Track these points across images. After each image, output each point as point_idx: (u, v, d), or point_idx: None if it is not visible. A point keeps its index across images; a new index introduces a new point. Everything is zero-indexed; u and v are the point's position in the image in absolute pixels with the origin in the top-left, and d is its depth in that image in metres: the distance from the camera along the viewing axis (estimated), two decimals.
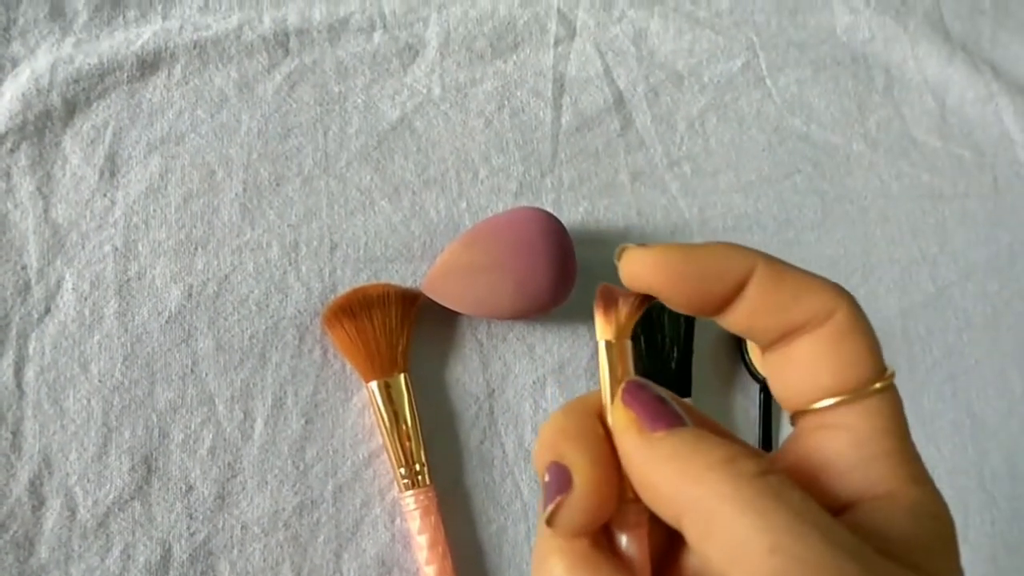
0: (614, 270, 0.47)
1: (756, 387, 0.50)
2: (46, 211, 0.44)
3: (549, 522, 0.19)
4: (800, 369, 0.20)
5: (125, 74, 0.48)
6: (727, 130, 0.56)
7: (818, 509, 0.17)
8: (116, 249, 0.45)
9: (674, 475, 0.18)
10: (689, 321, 0.48)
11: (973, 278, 0.56)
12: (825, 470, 0.19)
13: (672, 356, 0.47)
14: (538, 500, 0.22)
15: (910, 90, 0.60)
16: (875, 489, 0.19)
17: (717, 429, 0.22)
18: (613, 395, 0.21)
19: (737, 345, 0.50)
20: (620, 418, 0.20)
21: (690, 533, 0.17)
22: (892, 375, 0.20)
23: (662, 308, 0.47)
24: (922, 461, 0.20)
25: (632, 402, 0.20)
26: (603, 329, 0.23)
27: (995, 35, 0.63)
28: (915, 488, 0.19)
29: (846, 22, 0.60)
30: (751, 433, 0.50)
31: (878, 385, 0.19)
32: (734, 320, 0.21)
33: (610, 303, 0.23)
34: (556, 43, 0.55)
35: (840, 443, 0.19)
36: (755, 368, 0.48)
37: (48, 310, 0.43)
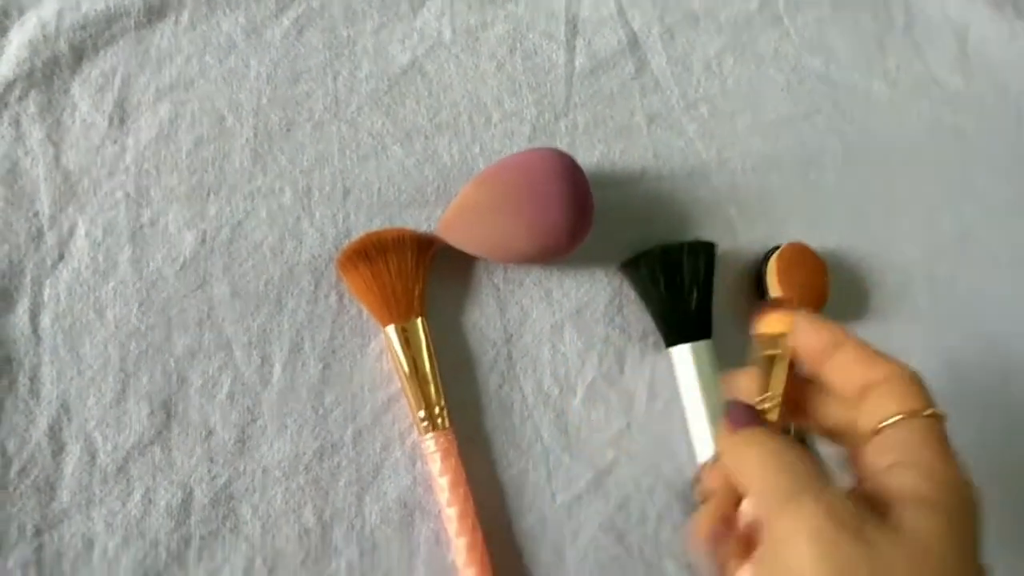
0: (630, 213, 0.46)
1: None
2: (57, 158, 0.44)
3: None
4: (874, 403, 0.30)
5: (132, 20, 0.47)
6: (744, 71, 0.54)
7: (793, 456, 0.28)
8: (128, 195, 0.44)
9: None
10: (709, 264, 0.47)
11: (997, 217, 0.55)
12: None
13: (692, 298, 0.47)
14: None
15: (931, 28, 0.59)
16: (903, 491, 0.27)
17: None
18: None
19: (758, 290, 0.49)
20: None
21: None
22: (936, 413, 0.29)
23: (682, 249, 0.46)
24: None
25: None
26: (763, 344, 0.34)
27: None
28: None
29: None
30: None
31: (926, 413, 0.29)
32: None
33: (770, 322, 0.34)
34: None
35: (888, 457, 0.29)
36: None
37: (62, 256, 0.43)
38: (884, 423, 0.29)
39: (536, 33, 0.52)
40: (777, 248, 0.49)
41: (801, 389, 0.33)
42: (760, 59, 0.55)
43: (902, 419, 0.29)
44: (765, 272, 0.49)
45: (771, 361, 0.33)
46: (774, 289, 0.47)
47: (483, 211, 0.44)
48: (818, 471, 0.28)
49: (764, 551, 0.28)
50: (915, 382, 0.30)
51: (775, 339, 0.33)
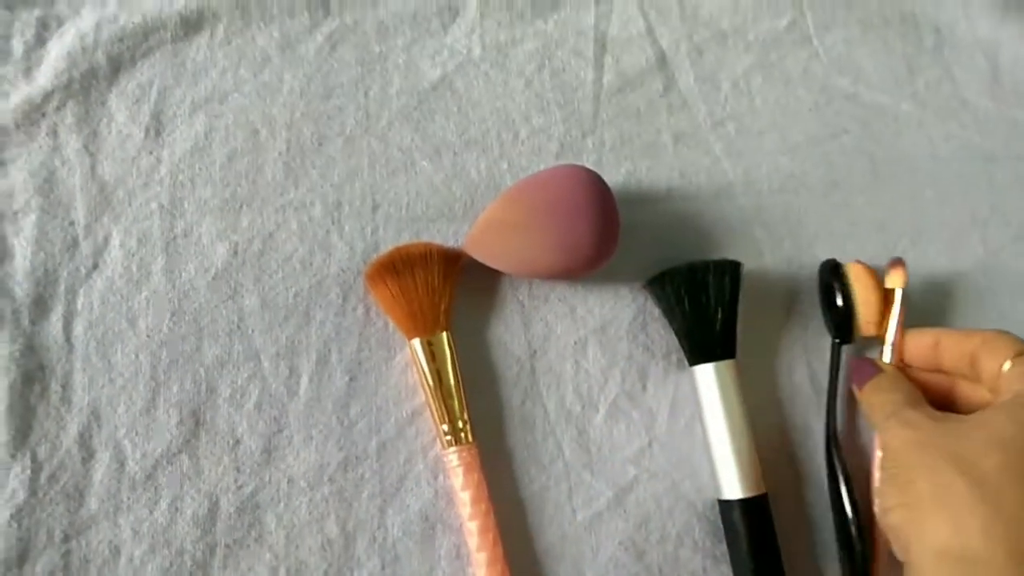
0: (656, 231, 0.47)
1: (797, 351, 0.49)
2: (93, 168, 0.45)
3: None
4: (985, 362, 0.41)
5: (168, 33, 0.48)
6: (772, 90, 0.54)
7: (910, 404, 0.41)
8: (162, 207, 0.45)
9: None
10: (735, 283, 0.47)
11: None
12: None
13: (717, 318, 0.46)
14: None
15: (960, 50, 0.59)
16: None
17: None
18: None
19: (825, 296, 0.48)
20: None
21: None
22: None
23: (707, 270, 0.46)
24: None
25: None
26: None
27: None
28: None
29: None
30: (800, 392, 0.49)
31: None
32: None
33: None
34: (597, 2, 0.54)
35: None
36: (859, 322, 0.47)
37: (96, 266, 0.43)
38: (1003, 369, 0.38)
39: (565, 51, 0.52)
40: (831, 262, 0.48)
41: (938, 392, 0.44)
42: (788, 78, 0.55)
43: (1012, 361, 0.38)
44: (848, 282, 0.47)
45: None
46: (865, 302, 0.46)
47: (510, 227, 0.44)
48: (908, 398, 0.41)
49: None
50: (1007, 334, 0.40)
51: (890, 292, 0.46)
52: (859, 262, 0.48)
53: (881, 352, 0.47)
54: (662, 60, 0.53)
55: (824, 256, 0.49)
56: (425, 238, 0.47)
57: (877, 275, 0.47)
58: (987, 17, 0.59)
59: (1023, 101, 0.58)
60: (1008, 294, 0.53)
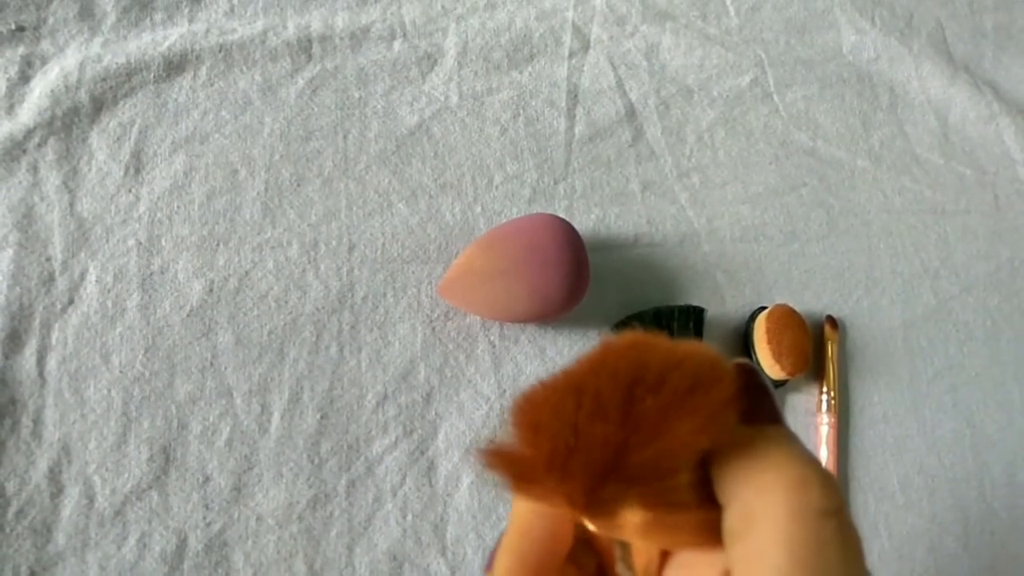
0: (623, 276, 0.48)
1: None
2: (72, 205, 0.45)
3: None
4: None
5: (152, 74, 0.49)
6: (735, 143, 0.57)
7: None
8: (140, 243, 0.46)
9: None
10: (698, 328, 0.49)
11: (974, 292, 0.57)
12: None
13: None
14: None
15: (913, 109, 0.62)
16: None
17: None
18: None
19: (745, 347, 0.51)
20: None
21: None
22: None
23: (672, 315, 0.48)
24: None
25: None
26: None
27: (997, 57, 0.65)
28: None
29: (852, 42, 0.62)
30: None
31: None
32: None
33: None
34: (571, 55, 0.56)
35: None
36: (762, 369, 0.49)
37: (71, 301, 0.44)
38: None
39: (539, 100, 0.54)
40: (763, 309, 0.51)
41: None
42: (750, 133, 0.58)
43: None
44: (752, 331, 0.50)
45: None
46: (761, 349, 0.49)
47: (484, 274, 0.45)
48: None
49: None
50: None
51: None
52: (777, 308, 0.50)
53: (819, 399, 0.52)
54: (631, 112, 0.56)
55: (783, 302, 0.51)
56: (400, 279, 0.48)
57: (794, 322, 0.49)
58: (938, 79, 0.63)
59: (971, 158, 0.62)
60: (957, 344, 0.55)
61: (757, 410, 0.20)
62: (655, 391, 0.18)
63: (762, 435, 0.19)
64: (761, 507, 0.17)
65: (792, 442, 0.19)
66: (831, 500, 0.17)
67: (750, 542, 0.17)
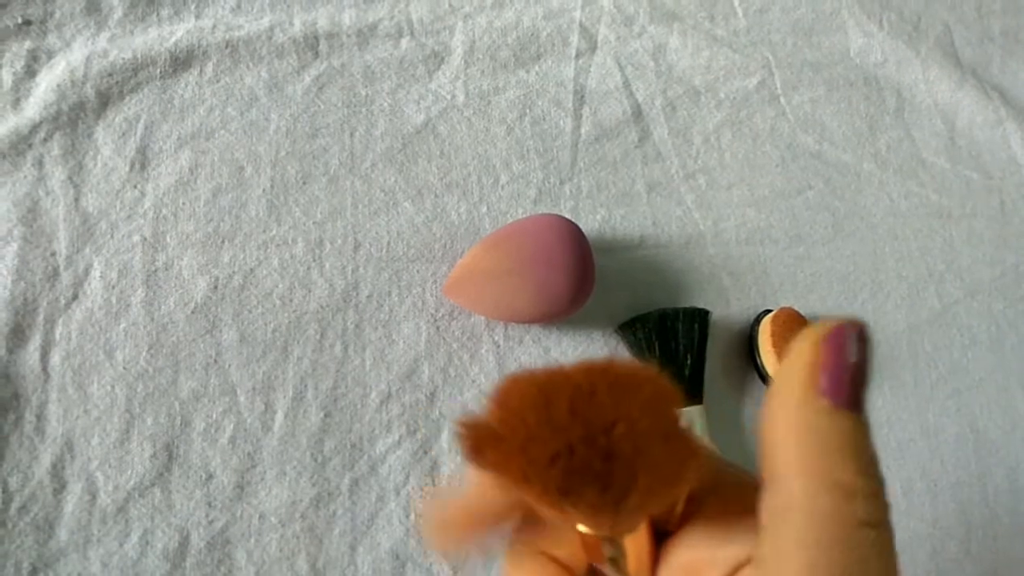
0: (629, 277, 0.48)
1: (763, 396, 0.51)
2: (77, 200, 0.45)
3: None
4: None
5: (158, 70, 0.49)
6: (741, 145, 0.57)
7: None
8: (144, 239, 0.45)
9: None
10: (703, 330, 0.49)
11: (979, 297, 0.57)
12: None
13: (686, 363, 0.48)
14: None
15: (920, 112, 0.62)
16: None
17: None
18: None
19: (749, 350, 0.51)
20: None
21: None
22: None
23: (677, 317, 0.48)
24: None
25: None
26: None
27: (1004, 62, 0.65)
28: None
29: (860, 44, 0.62)
30: None
31: None
32: None
33: None
34: (578, 55, 0.56)
35: None
36: (766, 372, 0.49)
37: (76, 296, 0.44)
38: None
39: (545, 100, 0.54)
40: (768, 312, 0.51)
41: None
42: (756, 135, 0.57)
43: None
44: (757, 334, 0.50)
45: None
46: (766, 352, 0.49)
47: (489, 274, 0.45)
48: None
49: None
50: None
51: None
52: (782, 311, 0.49)
53: None
54: (638, 113, 0.56)
55: (788, 305, 0.51)
56: (404, 278, 0.48)
57: (799, 325, 0.49)
58: (945, 83, 0.63)
59: (977, 163, 0.61)
60: (961, 348, 0.55)
61: (837, 388, 0.18)
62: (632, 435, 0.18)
63: (831, 420, 0.18)
64: (801, 500, 0.17)
65: (857, 436, 0.18)
66: (874, 513, 0.17)
67: (783, 534, 0.17)
